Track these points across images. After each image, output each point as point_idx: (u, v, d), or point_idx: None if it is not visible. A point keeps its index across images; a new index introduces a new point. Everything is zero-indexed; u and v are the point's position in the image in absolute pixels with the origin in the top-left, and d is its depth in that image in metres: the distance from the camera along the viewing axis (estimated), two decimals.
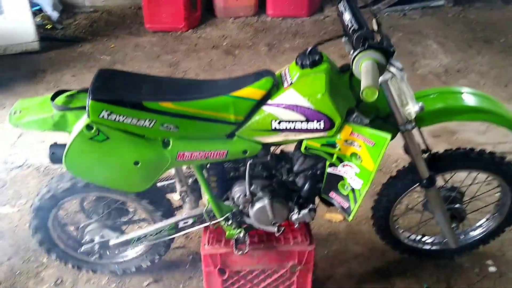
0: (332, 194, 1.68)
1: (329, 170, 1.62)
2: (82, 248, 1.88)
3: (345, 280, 2.07)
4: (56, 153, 1.57)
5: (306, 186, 1.69)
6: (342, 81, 1.55)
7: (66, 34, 4.60)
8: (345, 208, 1.65)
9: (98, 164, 1.56)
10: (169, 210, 1.88)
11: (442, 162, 1.78)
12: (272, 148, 1.68)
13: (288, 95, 1.48)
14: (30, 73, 3.86)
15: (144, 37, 4.53)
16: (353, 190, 1.60)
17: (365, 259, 2.15)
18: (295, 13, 4.88)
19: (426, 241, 2.10)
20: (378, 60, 1.27)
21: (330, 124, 1.49)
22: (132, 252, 2.05)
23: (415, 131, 1.61)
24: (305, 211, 1.71)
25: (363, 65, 1.25)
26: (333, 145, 1.54)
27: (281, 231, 1.77)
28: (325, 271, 2.12)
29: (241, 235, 1.77)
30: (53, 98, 1.56)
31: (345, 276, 2.09)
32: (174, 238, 2.01)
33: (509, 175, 1.83)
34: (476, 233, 2.05)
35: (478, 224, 2.06)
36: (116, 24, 4.81)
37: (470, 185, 1.96)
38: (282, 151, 1.77)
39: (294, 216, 1.72)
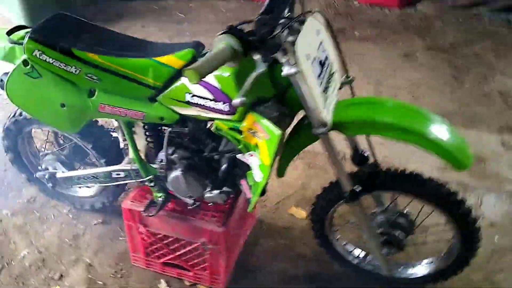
0: (243, 182, 1.63)
1: (238, 156, 1.57)
2: (36, 174, 2.07)
3: (270, 276, 2.00)
4: (4, 81, 1.74)
5: (223, 167, 1.66)
6: (251, 66, 1.46)
7: None
8: (248, 198, 1.60)
9: (32, 98, 1.70)
10: (115, 161, 1.97)
11: (377, 179, 1.61)
12: (209, 123, 1.67)
13: None
14: (109, 17, 4.19)
15: (224, 1, 4.62)
16: (255, 181, 1.54)
17: (304, 262, 2.05)
18: (384, 1, 4.59)
19: (368, 261, 1.93)
20: (234, 48, 1.18)
21: (233, 108, 1.44)
22: (86, 191, 2.20)
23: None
24: (216, 191, 1.69)
25: (216, 48, 1.18)
26: (239, 131, 1.48)
27: (194, 205, 1.77)
28: (259, 262, 2.06)
29: (161, 199, 1.81)
30: (10, 32, 1.72)
31: (274, 272, 2.02)
32: (123, 187, 2.13)
33: (458, 214, 1.59)
34: (415, 270, 1.83)
35: (421, 261, 1.84)
36: None
37: (427, 216, 1.75)
38: None
39: (207, 194, 1.71)
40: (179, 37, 3.87)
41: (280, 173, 1.68)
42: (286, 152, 1.63)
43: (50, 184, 2.07)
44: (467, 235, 1.62)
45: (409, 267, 1.85)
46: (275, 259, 2.07)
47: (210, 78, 1.42)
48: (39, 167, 2.08)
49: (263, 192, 1.59)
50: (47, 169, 2.05)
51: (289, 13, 1.44)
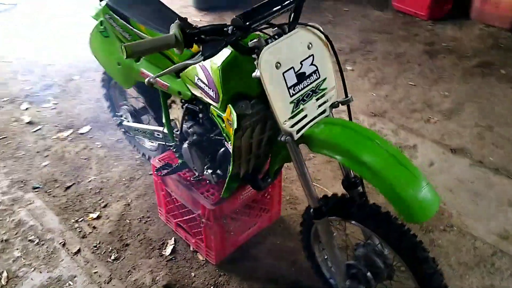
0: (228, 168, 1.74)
1: (225, 143, 1.69)
2: (113, 118, 2.49)
3: (259, 271, 2.07)
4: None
5: (220, 151, 1.79)
6: (252, 66, 1.54)
7: None
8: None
9: (102, 53, 2.08)
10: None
11: (343, 208, 1.55)
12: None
13: None
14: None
15: (380, 11, 4.53)
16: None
17: (296, 270, 2.05)
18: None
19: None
20: (178, 38, 1.26)
21: (218, 98, 1.56)
22: (151, 144, 2.56)
23: None
24: (210, 171, 1.83)
25: (165, 34, 1.29)
26: (223, 120, 1.60)
27: (196, 178, 1.95)
28: (258, 254, 2.14)
29: (176, 165, 2.03)
30: None
31: (264, 269, 2.08)
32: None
33: (409, 255, 1.42)
34: None
35: None
36: None
37: None
38: None
39: (205, 171, 1.86)
40: None
41: (271, 175, 1.74)
42: (273, 156, 1.68)
43: (122, 130, 2.47)
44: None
45: None
46: (272, 257, 2.13)
47: (207, 65, 1.56)
48: (117, 113, 2.50)
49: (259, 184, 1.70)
50: (121, 116, 2.45)
51: (293, 22, 1.48)
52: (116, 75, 2.08)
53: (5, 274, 2.09)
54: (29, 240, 2.25)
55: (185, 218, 2.10)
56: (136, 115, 2.42)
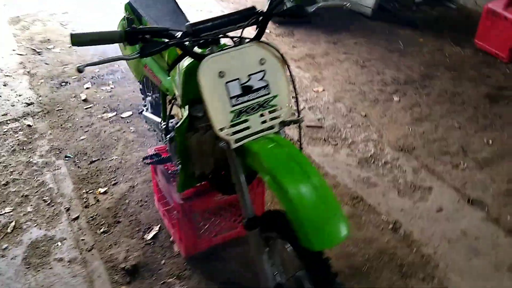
0: None
1: None
2: (139, 107, 2.71)
3: (226, 273, 2.14)
4: None
5: None
6: None
7: (404, 14, 4.84)
8: None
9: (122, 46, 2.30)
10: None
11: (272, 223, 1.57)
12: None
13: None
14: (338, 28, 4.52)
15: (459, 47, 4.29)
16: None
17: (250, 269, 2.05)
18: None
19: None
20: (122, 35, 1.36)
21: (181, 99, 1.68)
22: None
23: None
24: (179, 166, 1.94)
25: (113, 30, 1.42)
26: None
27: (174, 172, 2.08)
28: (228, 255, 2.21)
29: (165, 157, 2.18)
30: None
31: (230, 272, 2.14)
32: None
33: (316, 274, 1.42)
34: None
35: None
36: (457, 26, 4.64)
37: None
38: None
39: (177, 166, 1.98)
40: (379, 63, 3.90)
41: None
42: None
43: (144, 119, 2.69)
44: None
45: None
46: (239, 264, 2.18)
47: (181, 68, 1.68)
48: (143, 103, 2.72)
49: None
50: (144, 106, 2.66)
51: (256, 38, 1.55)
52: (130, 67, 2.29)
53: (13, 224, 2.40)
54: (43, 200, 2.55)
55: (166, 208, 2.24)
56: (156, 107, 2.61)
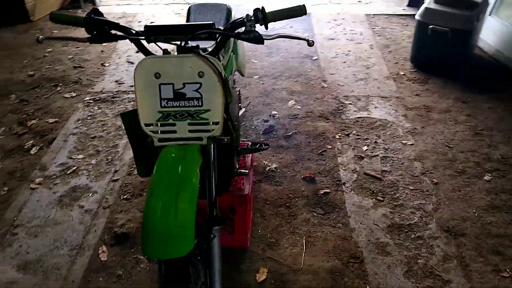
0: None
1: None
2: None
3: None
4: None
5: None
6: None
7: None
8: None
9: None
10: None
11: None
12: None
13: None
14: None
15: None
16: None
17: None
18: None
19: None
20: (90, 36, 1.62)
21: None
22: None
23: None
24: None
25: None
26: None
27: None
28: None
29: None
30: None
31: None
32: None
33: None
34: None
35: None
36: None
37: None
38: None
39: None
40: (500, 135, 3.36)
41: None
42: None
43: None
44: None
45: None
46: None
47: None
48: None
49: None
50: None
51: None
52: None
53: (74, 168, 2.95)
54: (106, 158, 3.05)
55: None
56: None
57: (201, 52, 1.60)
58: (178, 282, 1.56)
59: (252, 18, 1.57)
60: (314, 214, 2.63)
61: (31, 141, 3.23)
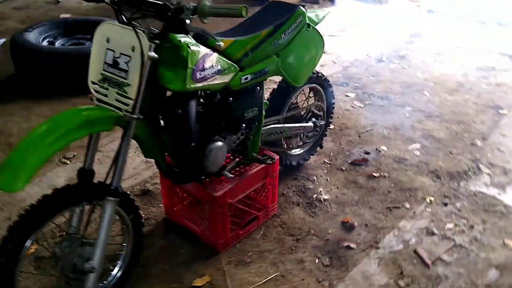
0: None
1: None
2: None
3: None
4: None
5: None
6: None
7: None
8: None
9: None
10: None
11: None
12: None
13: None
14: None
15: None
16: None
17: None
18: None
19: None
20: None
21: None
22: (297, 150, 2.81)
23: None
24: None
25: None
26: None
27: None
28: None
29: None
30: None
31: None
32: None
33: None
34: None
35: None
36: None
37: None
38: None
39: None
40: None
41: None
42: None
43: None
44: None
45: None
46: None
47: None
48: None
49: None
50: None
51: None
52: None
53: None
54: None
55: None
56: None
57: (138, 27, 1.61)
58: None
59: (190, 8, 1.53)
60: (316, 261, 2.23)
61: None
